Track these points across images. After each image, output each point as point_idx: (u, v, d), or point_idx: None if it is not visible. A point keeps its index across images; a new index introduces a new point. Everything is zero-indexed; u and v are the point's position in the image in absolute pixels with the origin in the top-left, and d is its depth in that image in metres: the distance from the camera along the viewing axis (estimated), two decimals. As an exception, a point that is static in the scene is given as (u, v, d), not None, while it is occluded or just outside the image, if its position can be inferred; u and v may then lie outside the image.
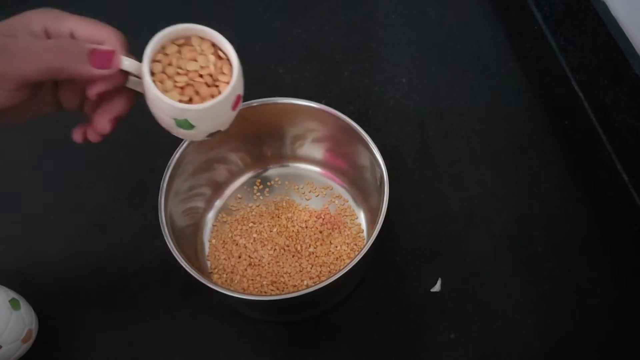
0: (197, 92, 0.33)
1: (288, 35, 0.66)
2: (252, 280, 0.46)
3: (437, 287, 0.47)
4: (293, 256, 0.47)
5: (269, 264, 0.47)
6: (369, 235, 0.41)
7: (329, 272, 0.46)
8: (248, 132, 0.49)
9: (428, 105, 0.60)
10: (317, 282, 0.42)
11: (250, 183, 0.52)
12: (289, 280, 0.46)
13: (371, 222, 0.48)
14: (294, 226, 0.49)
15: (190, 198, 0.48)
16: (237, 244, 0.48)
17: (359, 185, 0.50)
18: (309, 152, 0.52)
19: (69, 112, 0.35)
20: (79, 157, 0.57)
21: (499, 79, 0.62)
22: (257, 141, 0.51)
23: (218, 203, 0.51)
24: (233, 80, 0.33)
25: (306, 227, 0.49)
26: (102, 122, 0.34)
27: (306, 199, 0.51)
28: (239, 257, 0.47)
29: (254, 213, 0.50)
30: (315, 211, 0.50)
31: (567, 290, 0.47)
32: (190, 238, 0.48)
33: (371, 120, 0.58)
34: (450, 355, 0.44)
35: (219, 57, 0.33)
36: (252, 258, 0.47)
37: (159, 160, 0.48)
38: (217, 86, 0.33)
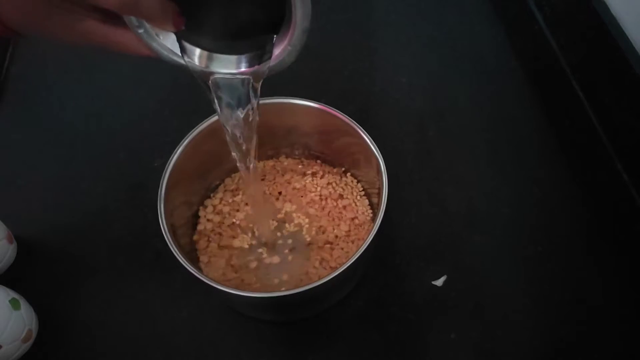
0: None
1: (288, 35, 0.66)
2: (253, 277, 0.46)
3: (439, 282, 0.47)
4: (293, 254, 0.47)
5: (268, 260, 0.47)
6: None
7: (329, 268, 0.46)
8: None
9: (428, 105, 0.60)
10: (317, 280, 0.42)
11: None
12: (289, 278, 0.46)
13: (371, 220, 0.48)
14: (293, 223, 0.49)
15: (189, 198, 0.48)
16: (237, 242, 0.48)
17: (359, 184, 0.50)
18: (308, 151, 0.52)
19: None
20: (79, 157, 0.57)
21: (499, 79, 0.62)
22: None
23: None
24: None
25: (306, 225, 0.49)
26: None
27: (305, 197, 0.51)
28: (239, 254, 0.47)
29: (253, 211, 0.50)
30: (315, 210, 0.50)
31: (567, 290, 0.47)
32: (189, 237, 0.48)
33: (371, 120, 0.58)
34: (450, 355, 0.44)
35: None
36: (251, 256, 0.47)
37: (158, 160, 0.49)
38: None
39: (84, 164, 0.56)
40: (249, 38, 0.32)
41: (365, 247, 0.38)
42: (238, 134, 0.36)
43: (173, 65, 0.32)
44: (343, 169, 0.52)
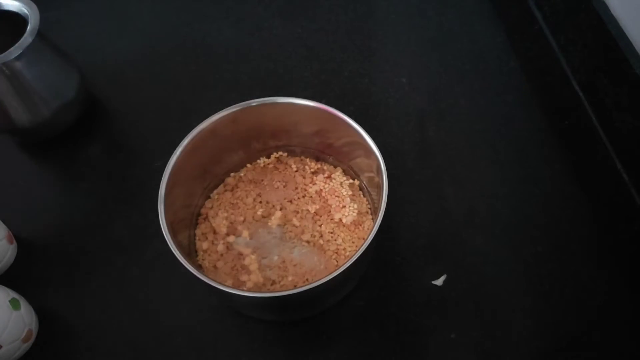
0: None
1: (288, 35, 0.66)
2: (252, 277, 0.46)
3: (439, 281, 0.47)
4: (292, 253, 0.47)
5: (267, 260, 0.47)
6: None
7: (330, 268, 0.46)
8: (247, 131, 0.49)
9: (428, 105, 0.60)
10: (317, 279, 0.42)
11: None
12: (288, 278, 0.46)
13: (371, 220, 0.48)
14: (293, 223, 0.49)
15: (189, 198, 0.48)
16: (236, 242, 0.48)
17: (359, 184, 0.50)
18: (307, 151, 0.52)
19: None
20: (79, 157, 0.57)
21: (499, 79, 0.62)
22: (256, 140, 0.51)
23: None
24: None
25: (305, 225, 0.49)
26: None
27: (305, 197, 0.51)
28: (238, 254, 0.47)
29: (253, 209, 0.50)
30: (315, 209, 0.50)
31: (567, 290, 0.47)
32: (189, 237, 0.48)
33: (371, 120, 0.58)
34: (450, 355, 0.44)
35: None
36: (251, 256, 0.47)
37: (158, 161, 0.49)
38: None
39: (84, 165, 0.57)
40: None
41: (365, 247, 0.38)
42: None
43: None
44: (343, 168, 0.52)
